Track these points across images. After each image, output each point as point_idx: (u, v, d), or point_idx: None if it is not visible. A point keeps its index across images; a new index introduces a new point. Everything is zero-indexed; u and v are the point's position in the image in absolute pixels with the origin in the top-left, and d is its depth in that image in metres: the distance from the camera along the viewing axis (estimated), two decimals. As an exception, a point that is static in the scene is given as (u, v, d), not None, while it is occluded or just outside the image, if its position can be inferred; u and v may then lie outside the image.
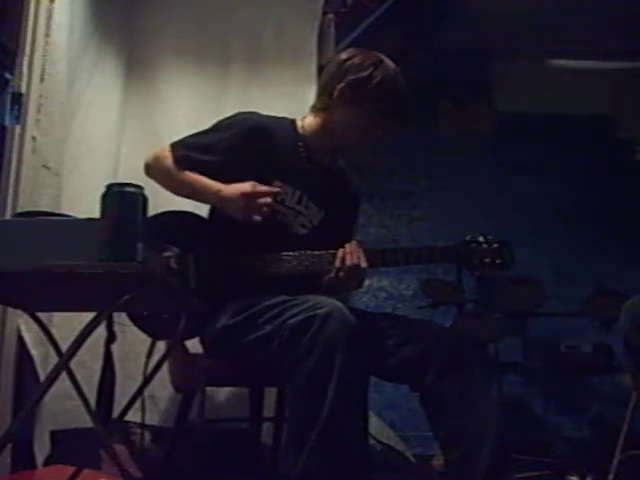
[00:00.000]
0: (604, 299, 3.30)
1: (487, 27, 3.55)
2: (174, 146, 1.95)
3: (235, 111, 2.03)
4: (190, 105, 2.76)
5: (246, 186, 1.84)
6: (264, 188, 1.85)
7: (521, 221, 3.99)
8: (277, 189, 1.88)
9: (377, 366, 1.85)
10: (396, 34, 3.42)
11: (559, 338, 3.51)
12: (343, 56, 1.98)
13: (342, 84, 1.93)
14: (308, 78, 2.78)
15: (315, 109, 2.04)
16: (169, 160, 1.93)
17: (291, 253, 1.89)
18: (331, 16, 2.90)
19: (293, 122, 2.05)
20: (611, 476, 2.62)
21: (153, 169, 1.97)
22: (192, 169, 1.93)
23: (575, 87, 3.97)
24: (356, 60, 1.94)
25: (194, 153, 1.93)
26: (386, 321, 1.95)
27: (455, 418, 1.76)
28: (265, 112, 2.03)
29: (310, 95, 2.72)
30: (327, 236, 1.99)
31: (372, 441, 2.71)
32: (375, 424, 2.74)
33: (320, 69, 2.76)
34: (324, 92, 2.00)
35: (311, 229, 2.02)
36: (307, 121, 2.04)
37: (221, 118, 2.01)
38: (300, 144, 2.01)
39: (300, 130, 2.03)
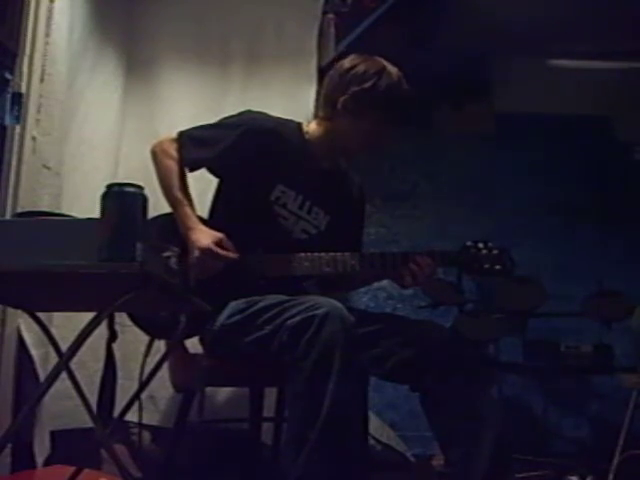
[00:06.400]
0: (604, 299, 3.30)
1: (487, 27, 3.55)
2: (180, 137, 1.97)
3: (235, 111, 2.03)
4: (190, 105, 2.76)
5: (209, 241, 1.82)
6: (221, 252, 1.82)
7: (521, 221, 3.99)
8: (235, 256, 1.85)
9: (377, 366, 1.86)
10: (396, 34, 3.41)
11: (559, 338, 3.51)
12: (346, 64, 1.96)
13: (345, 96, 1.92)
14: (308, 78, 2.78)
15: (318, 118, 2.04)
16: (173, 153, 1.95)
17: (303, 254, 1.89)
18: (331, 16, 2.90)
19: (300, 126, 2.05)
20: (611, 476, 2.63)
21: (156, 158, 1.98)
22: (194, 163, 1.96)
23: (575, 87, 3.96)
24: (359, 69, 1.92)
25: (198, 148, 1.95)
26: (386, 321, 1.95)
27: (455, 418, 1.76)
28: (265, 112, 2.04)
29: (310, 95, 2.72)
30: (334, 240, 2.00)
31: (372, 441, 2.71)
32: (375, 424, 2.74)
33: (320, 69, 2.77)
34: (327, 102, 1.99)
35: (315, 234, 2.02)
36: (311, 127, 2.04)
37: (230, 114, 2.02)
38: (305, 149, 2.01)
39: (305, 135, 2.03)
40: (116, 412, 1.70)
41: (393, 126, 1.96)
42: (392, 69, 1.94)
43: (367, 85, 1.90)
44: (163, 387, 2.24)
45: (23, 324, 2.07)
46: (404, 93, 1.94)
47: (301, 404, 1.61)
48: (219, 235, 1.85)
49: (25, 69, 2.16)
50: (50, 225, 1.36)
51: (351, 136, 1.96)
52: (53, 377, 1.41)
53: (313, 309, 1.63)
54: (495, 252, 1.95)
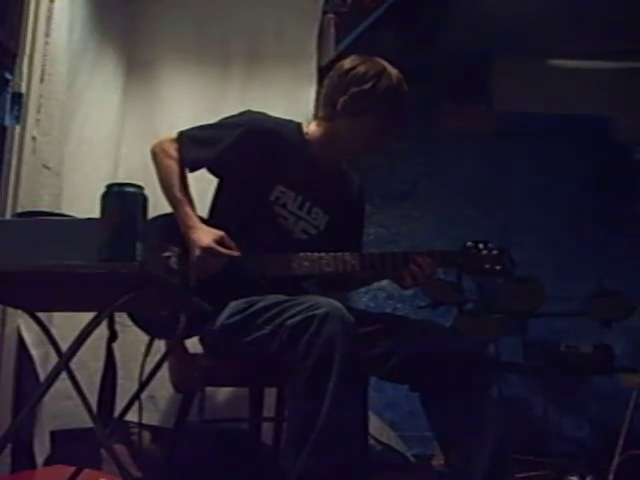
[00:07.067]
0: (604, 299, 3.30)
1: (487, 27, 3.55)
2: (180, 137, 1.97)
3: (235, 111, 2.03)
4: (190, 105, 2.76)
5: (210, 239, 1.82)
6: (223, 251, 1.83)
7: (521, 221, 3.99)
8: (237, 254, 1.85)
9: (377, 366, 1.86)
10: (396, 34, 3.41)
11: (559, 338, 3.51)
12: (346, 65, 1.96)
13: (345, 97, 1.92)
14: (308, 78, 2.78)
15: (318, 118, 2.04)
16: (173, 153, 1.95)
17: (303, 254, 1.89)
18: (331, 16, 2.90)
19: (299, 126, 2.05)
20: (611, 476, 2.63)
21: (156, 158, 1.99)
22: (194, 163, 1.97)
23: (575, 87, 3.96)
24: (359, 70, 1.92)
25: (198, 148, 1.95)
26: (386, 321, 1.95)
27: (455, 418, 1.76)
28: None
29: (310, 95, 2.73)
30: (334, 240, 2.00)
31: (372, 441, 2.71)
32: (375, 424, 2.74)
33: (320, 70, 2.77)
34: (327, 103, 1.99)
35: (315, 235, 2.02)
36: (311, 128, 2.04)
37: (230, 114, 2.02)
38: (305, 149, 2.01)
39: (305, 136, 2.03)
40: (116, 412, 1.70)
41: (392, 127, 1.95)
42: (392, 71, 1.94)
43: (366, 86, 1.90)
44: (163, 387, 2.24)
45: (23, 324, 2.07)
46: (403, 95, 1.94)
47: (301, 404, 1.61)
48: (220, 233, 1.85)
49: (25, 69, 2.16)
50: (50, 225, 1.36)
51: (351, 137, 1.96)
52: (53, 377, 1.41)
53: (313, 309, 1.63)
54: (495, 252, 1.95)
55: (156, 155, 1.98)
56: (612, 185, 4.07)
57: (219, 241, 1.83)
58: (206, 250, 1.81)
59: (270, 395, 2.26)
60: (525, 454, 2.86)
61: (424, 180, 4.20)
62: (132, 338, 2.10)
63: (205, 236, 1.84)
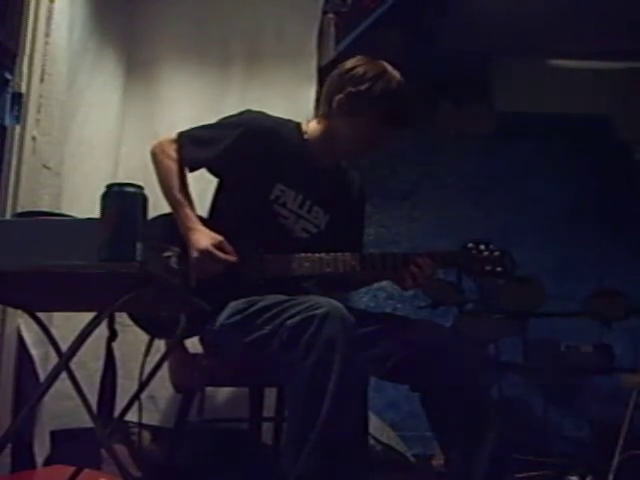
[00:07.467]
0: (604, 299, 3.30)
1: (487, 27, 3.55)
2: (180, 137, 1.97)
3: (235, 111, 2.03)
4: (190, 105, 2.76)
5: (208, 243, 1.82)
6: (221, 255, 1.83)
7: (521, 221, 3.99)
8: (233, 259, 1.85)
9: (377, 366, 1.86)
10: (396, 34, 3.41)
11: (559, 338, 3.51)
12: (347, 65, 1.96)
13: (341, 95, 1.92)
14: (308, 78, 2.78)
15: (318, 116, 2.04)
16: (173, 154, 1.95)
17: (303, 255, 1.89)
18: (331, 16, 2.90)
19: (299, 125, 2.05)
20: (611, 476, 2.63)
21: (155, 159, 1.99)
22: (194, 163, 1.97)
23: (575, 87, 3.97)
24: (358, 71, 1.91)
25: (197, 148, 1.95)
26: (386, 321, 1.95)
27: (455, 418, 1.76)
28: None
29: (310, 95, 2.73)
30: (334, 239, 2.00)
31: (372, 441, 2.71)
32: (375, 424, 2.74)
33: (320, 69, 2.77)
34: (325, 100, 1.99)
35: (316, 233, 2.02)
36: (311, 126, 2.04)
37: (229, 114, 2.02)
38: (305, 148, 2.01)
39: (304, 135, 2.03)
40: (116, 412, 1.70)
41: (388, 128, 1.95)
42: (393, 74, 1.92)
43: (363, 87, 1.90)
44: (163, 387, 2.24)
45: (23, 324, 2.07)
46: (400, 99, 1.91)
47: (301, 404, 1.61)
48: (219, 238, 1.85)
49: (25, 69, 2.16)
50: (50, 225, 1.36)
51: (346, 135, 1.95)
52: (53, 377, 1.41)
53: (313, 309, 1.63)
54: (496, 254, 1.95)
55: (156, 156, 1.98)
56: (612, 185, 4.07)
57: (217, 245, 1.83)
58: (203, 253, 1.81)
59: (270, 395, 2.26)
60: (525, 454, 2.86)
61: (424, 180, 4.20)
62: (132, 338, 2.10)
63: (204, 239, 1.84)
